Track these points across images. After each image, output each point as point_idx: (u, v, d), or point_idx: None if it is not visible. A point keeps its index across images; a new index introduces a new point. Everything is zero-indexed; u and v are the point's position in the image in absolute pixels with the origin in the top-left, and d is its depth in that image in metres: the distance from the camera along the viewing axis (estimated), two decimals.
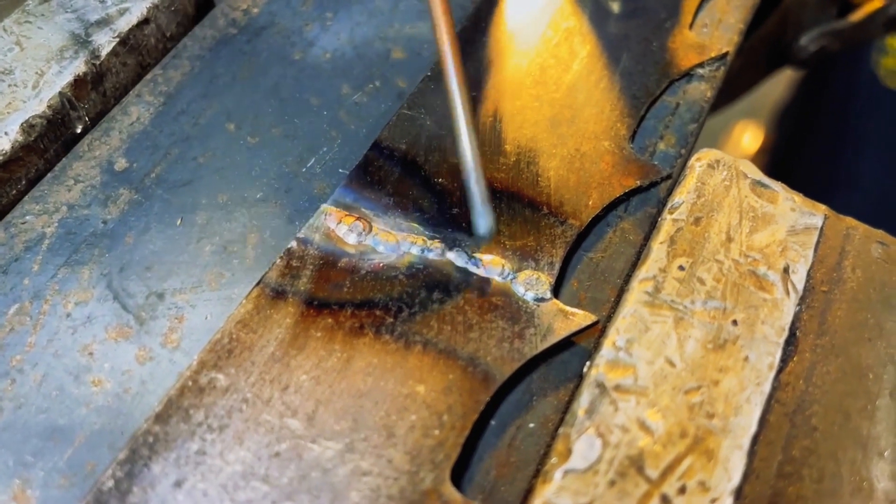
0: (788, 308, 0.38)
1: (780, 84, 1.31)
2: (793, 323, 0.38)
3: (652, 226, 0.45)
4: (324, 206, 0.43)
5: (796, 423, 0.36)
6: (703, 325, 0.37)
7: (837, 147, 1.17)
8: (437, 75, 0.49)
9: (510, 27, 0.52)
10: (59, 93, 0.45)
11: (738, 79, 0.78)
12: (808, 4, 0.75)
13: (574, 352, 0.40)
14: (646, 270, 0.39)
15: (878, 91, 1.09)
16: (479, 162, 0.42)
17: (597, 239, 0.45)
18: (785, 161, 1.28)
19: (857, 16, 0.77)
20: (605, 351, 0.37)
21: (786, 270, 0.39)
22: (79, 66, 0.46)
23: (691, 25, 0.53)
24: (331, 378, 0.38)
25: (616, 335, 0.37)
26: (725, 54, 0.52)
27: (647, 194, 0.46)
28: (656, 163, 0.47)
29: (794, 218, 0.41)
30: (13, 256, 0.42)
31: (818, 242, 0.40)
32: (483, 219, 0.42)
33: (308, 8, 0.54)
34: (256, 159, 0.47)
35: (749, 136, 1.60)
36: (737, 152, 1.55)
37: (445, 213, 0.44)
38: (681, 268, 0.39)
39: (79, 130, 0.47)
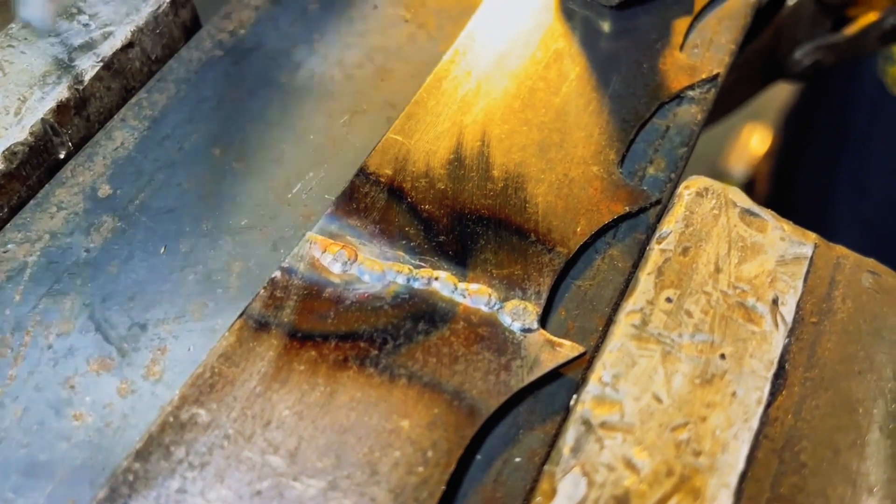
0: (777, 341, 0.38)
1: (786, 88, 1.31)
2: (782, 356, 0.38)
3: (640, 253, 0.44)
4: (309, 235, 0.43)
5: (785, 459, 0.36)
6: (691, 359, 0.37)
7: (843, 153, 1.17)
8: (425, 99, 0.49)
9: (500, 49, 0.52)
10: (42, 119, 0.44)
11: (731, 93, 0.78)
12: (802, 18, 0.74)
13: (561, 383, 0.40)
14: (633, 302, 0.38)
15: (885, 98, 1.09)
16: None
17: (585, 266, 0.44)
18: (792, 165, 1.28)
19: (852, 29, 0.76)
20: (592, 386, 0.36)
21: (775, 302, 0.39)
22: (61, 92, 0.45)
23: (682, 46, 0.53)
24: (314, 413, 0.37)
25: (602, 370, 0.36)
26: (716, 76, 0.52)
27: (635, 220, 0.46)
28: (646, 188, 0.47)
29: (783, 247, 0.40)
30: None
31: (808, 272, 0.40)
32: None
33: (296, 29, 0.53)
34: (242, 185, 0.46)
35: (757, 139, 1.60)
36: (744, 155, 1.54)
37: (431, 241, 0.43)
38: (668, 300, 0.38)
39: (62, 156, 0.46)
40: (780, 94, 1.36)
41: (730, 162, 1.59)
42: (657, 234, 0.41)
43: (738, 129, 1.64)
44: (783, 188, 1.30)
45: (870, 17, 0.76)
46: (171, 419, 0.37)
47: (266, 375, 0.38)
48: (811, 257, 0.41)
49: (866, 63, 1.10)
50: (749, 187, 1.48)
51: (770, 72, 0.79)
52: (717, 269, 0.39)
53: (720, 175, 1.56)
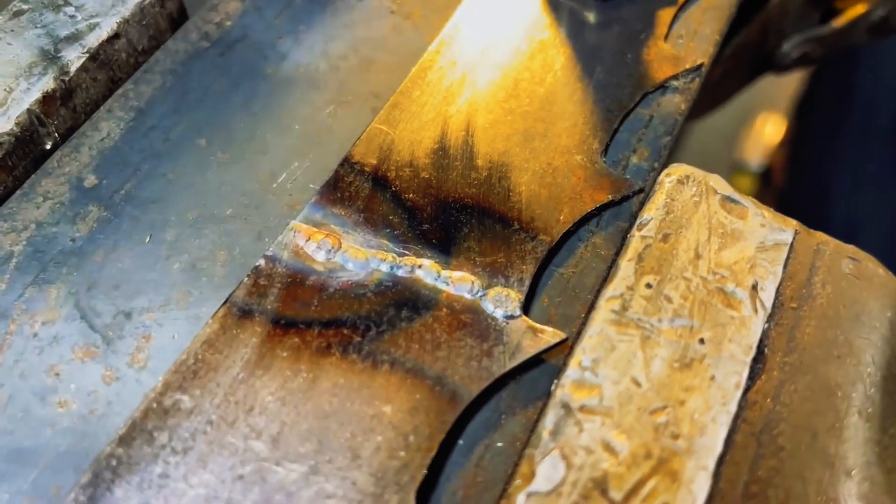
0: (756, 326, 0.38)
1: (797, 77, 1.31)
2: (761, 341, 0.38)
3: (623, 241, 0.44)
4: (293, 223, 0.43)
5: (763, 442, 0.36)
6: (670, 343, 0.37)
7: (871, 142, 1.18)
8: (410, 88, 0.49)
9: (485, 40, 0.52)
10: (28, 110, 0.45)
11: (719, 86, 0.78)
12: (789, 11, 0.74)
13: (543, 369, 0.40)
14: (613, 288, 0.39)
15: None
16: None
17: (568, 254, 0.44)
18: (812, 154, 1.29)
19: (840, 22, 0.77)
20: (571, 371, 0.36)
21: (754, 287, 0.39)
22: (47, 83, 0.46)
23: (666, 37, 0.53)
24: (296, 399, 0.37)
25: (582, 355, 0.37)
26: (700, 66, 0.52)
27: (619, 209, 0.46)
28: (629, 177, 0.47)
29: (763, 234, 0.41)
30: None
31: (788, 258, 0.40)
32: None
33: (282, 20, 0.53)
34: (227, 175, 0.46)
35: (771, 129, 1.60)
36: (759, 145, 1.54)
37: (415, 229, 0.44)
38: (648, 285, 0.39)
39: (48, 147, 0.46)
40: (791, 83, 1.37)
41: (745, 153, 1.58)
42: (638, 221, 0.41)
43: (752, 120, 1.64)
44: (804, 178, 1.30)
45: (858, 10, 0.77)
46: (155, 405, 0.37)
47: (249, 362, 0.38)
48: (791, 243, 0.41)
49: (889, 52, 1.10)
50: (766, 177, 1.48)
51: (758, 65, 0.79)
52: (697, 256, 0.40)
53: (736, 166, 1.56)
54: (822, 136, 1.29)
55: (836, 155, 1.25)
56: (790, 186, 1.35)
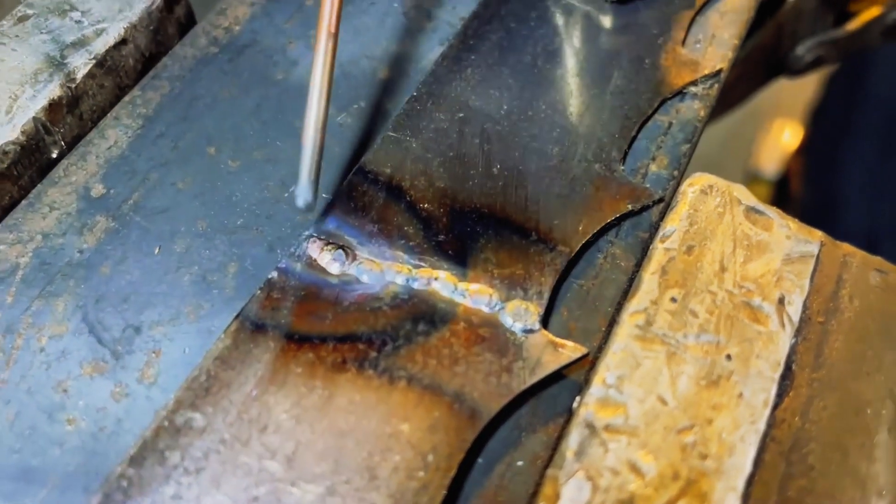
0: (784, 341, 0.37)
1: (813, 83, 1.30)
2: (788, 356, 0.37)
3: (643, 252, 0.43)
4: (306, 234, 0.42)
5: (792, 461, 0.35)
6: (696, 360, 0.36)
7: (882, 154, 1.16)
8: (423, 96, 0.48)
9: (499, 45, 0.51)
10: (34, 118, 0.44)
11: (733, 89, 0.77)
12: (804, 14, 0.73)
13: (564, 385, 0.39)
14: (637, 303, 0.38)
15: None
16: (323, 132, 0.42)
17: (587, 265, 0.43)
18: (830, 163, 1.27)
19: (854, 24, 0.76)
20: (595, 388, 0.35)
21: (781, 301, 0.38)
22: (53, 90, 0.45)
23: (684, 42, 0.52)
24: (311, 417, 0.36)
25: (606, 371, 0.36)
26: (719, 71, 0.51)
27: (638, 218, 0.45)
28: (648, 185, 0.46)
29: (789, 246, 0.40)
30: None
31: (814, 271, 0.39)
32: (304, 192, 0.41)
33: (292, 25, 0.52)
34: (237, 184, 0.45)
35: (788, 136, 1.58)
36: (775, 153, 1.53)
37: (431, 240, 0.43)
38: (673, 300, 0.38)
39: (54, 155, 0.45)
40: (807, 89, 1.35)
41: (761, 161, 1.57)
42: (661, 233, 0.40)
43: (767, 127, 1.62)
44: (821, 187, 1.28)
45: (872, 12, 0.76)
46: (166, 423, 0.36)
47: (263, 378, 0.37)
48: (817, 255, 0.40)
49: None
50: (782, 185, 1.47)
51: (772, 68, 0.78)
52: (723, 269, 0.39)
53: (752, 175, 1.54)
54: (837, 144, 1.28)
55: (852, 164, 1.23)
56: (806, 195, 1.34)
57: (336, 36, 0.42)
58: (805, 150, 1.42)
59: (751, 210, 0.41)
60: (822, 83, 1.35)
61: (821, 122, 1.37)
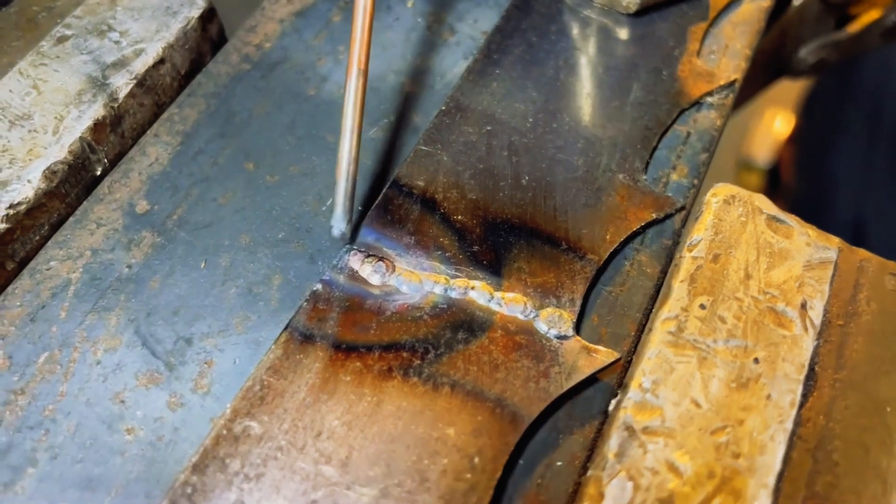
0: (807, 344, 0.39)
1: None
2: (812, 358, 0.39)
3: (668, 258, 0.45)
4: (346, 247, 0.44)
5: (818, 458, 0.37)
6: (726, 363, 0.38)
7: (872, 144, 1.19)
8: (452, 110, 0.50)
9: (522, 59, 0.53)
10: (80, 137, 0.45)
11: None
12: (807, 17, 0.75)
13: (598, 388, 0.41)
14: (668, 310, 0.40)
15: None
16: (355, 165, 0.44)
17: (615, 272, 0.45)
18: (820, 152, 1.30)
19: (855, 27, 0.78)
20: (633, 393, 0.37)
21: (803, 306, 0.40)
22: (97, 110, 0.46)
23: (699, 52, 0.54)
24: (362, 423, 0.38)
25: (642, 377, 0.38)
26: (734, 82, 0.53)
27: (661, 226, 0.47)
28: (670, 194, 0.48)
29: (809, 252, 0.42)
30: (40, 304, 0.43)
31: (833, 276, 0.41)
32: (339, 223, 0.44)
33: (320, 42, 0.54)
34: (276, 199, 0.47)
35: (779, 124, 1.60)
36: (767, 141, 1.55)
37: (466, 251, 0.44)
38: (702, 306, 0.40)
39: (98, 173, 0.47)
40: (799, 80, 1.37)
41: (753, 149, 1.59)
42: (687, 242, 0.42)
43: (760, 115, 1.64)
44: (811, 176, 1.31)
45: (873, 15, 0.78)
46: (225, 432, 0.38)
47: (314, 387, 0.39)
48: (836, 261, 0.42)
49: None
50: (774, 174, 1.49)
51: (774, 70, 0.80)
52: (748, 276, 0.41)
53: (744, 163, 1.56)
54: (828, 133, 1.31)
55: (843, 153, 1.26)
56: (797, 184, 1.36)
57: (366, 72, 0.43)
58: (796, 139, 1.44)
59: (772, 219, 0.43)
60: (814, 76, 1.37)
61: (812, 112, 1.39)
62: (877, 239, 1.14)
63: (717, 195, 0.44)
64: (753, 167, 1.58)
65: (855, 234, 1.14)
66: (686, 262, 0.41)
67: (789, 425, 0.37)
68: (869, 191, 1.19)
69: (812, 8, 0.75)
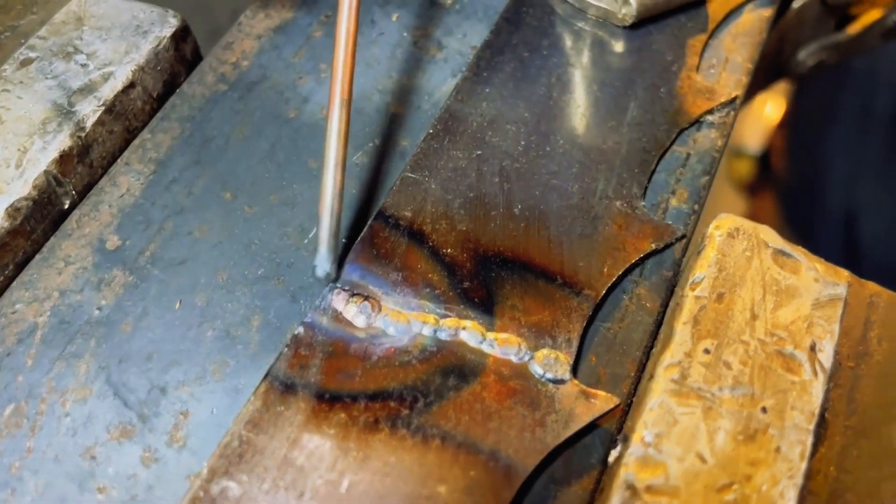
0: (817, 390, 0.37)
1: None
2: (822, 405, 0.37)
3: (668, 291, 0.43)
4: (329, 285, 0.42)
5: None
6: (732, 413, 0.36)
7: (863, 131, 1.18)
8: (440, 133, 0.47)
9: (512, 77, 0.50)
10: (45, 171, 0.43)
11: None
12: (806, 19, 0.73)
13: (596, 434, 0.39)
14: (671, 355, 0.38)
15: None
16: (340, 200, 0.41)
17: (613, 307, 0.43)
18: (812, 141, 1.28)
19: (855, 28, 0.76)
20: (634, 447, 0.35)
21: (812, 349, 0.38)
22: (63, 140, 0.43)
23: (698, 67, 0.52)
24: (347, 481, 0.36)
25: (644, 429, 0.36)
26: (735, 98, 0.51)
27: (661, 256, 0.45)
28: (669, 221, 0.46)
29: (817, 289, 0.40)
30: (5, 350, 0.40)
31: (843, 314, 0.39)
32: (324, 262, 0.41)
33: (300, 59, 0.51)
34: (255, 231, 0.45)
35: (771, 109, 1.58)
36: (759, 128, 1.53)
37: (456, 287, 0.42)
38: (706, 351, 0.38)
39: (66, 206, 0.44)
40: None
41: (744, 136, 1.57)
42: (690, 280, 0.40)
43: (750, 102, 1.62)
44: (802, 163, 1.30)
45: (873, 15, 0.75)
46: (202, 493, 0.35)
47: (296, 442, 0.37)
48: (845, 297, 0.40)
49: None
50: (765, 160, 1.48)
51: (773, 72, 0.78)
52: (754, 316, 0.38)
53: (736, 150, 1.54)
54: (819, 120, 1.29)
55: (834, 140, 1.25)
56: (789, 171, 1.35)
57: (349, 102, 0.41)
58: (787, 126, 1.43)
59: (778, 253, 0.40)
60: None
61: (803, 100, 1.38)
62: (868, 225, 1.13)
63: (721, 227, 0.41)
64: (744, 154, 1.56)
65: (846, 222, 1.13)
66: (689, 301, 0.39)
67: (800, 480, 0.35)
68: (860, 178, 1.18)
69: (812, 10, 0.72)
